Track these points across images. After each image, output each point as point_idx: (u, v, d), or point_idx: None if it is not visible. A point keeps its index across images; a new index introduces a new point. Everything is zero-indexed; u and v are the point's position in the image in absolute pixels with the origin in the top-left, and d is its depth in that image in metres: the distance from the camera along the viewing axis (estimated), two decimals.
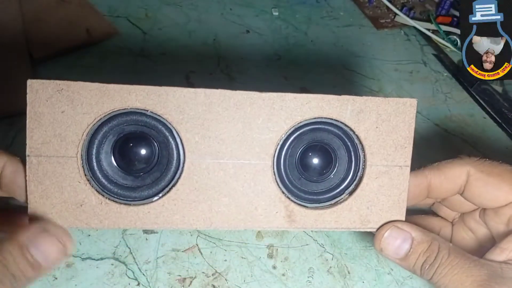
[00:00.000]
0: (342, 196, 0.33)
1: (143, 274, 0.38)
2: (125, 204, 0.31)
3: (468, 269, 0.29)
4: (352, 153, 0.33)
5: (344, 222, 0.33)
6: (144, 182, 0.31)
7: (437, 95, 0.59)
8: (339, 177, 0.33)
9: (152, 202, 0.31)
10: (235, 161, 0.31)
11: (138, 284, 0.37)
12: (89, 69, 0.54)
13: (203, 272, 0.38)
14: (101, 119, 0.30)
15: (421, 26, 0.65)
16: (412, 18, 0.67)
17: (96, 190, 0.30)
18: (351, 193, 0.33)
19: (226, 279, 0.38)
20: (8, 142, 0.45)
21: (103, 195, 0.31)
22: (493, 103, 0.58)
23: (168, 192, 0.31)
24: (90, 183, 0.30)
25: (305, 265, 0.40)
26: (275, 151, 0.32)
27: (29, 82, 0.29)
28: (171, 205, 0.31)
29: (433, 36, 0.64)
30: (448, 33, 0.66)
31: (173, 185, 0.31)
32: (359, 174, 0.33)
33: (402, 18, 0.67)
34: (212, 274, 0.38)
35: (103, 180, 0.31)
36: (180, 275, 0.38)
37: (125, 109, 0.30)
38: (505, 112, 0.57)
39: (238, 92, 0.30)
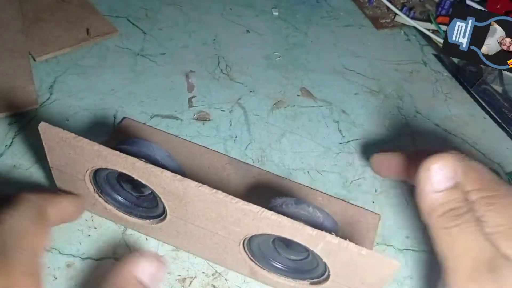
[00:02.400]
0: (303, 282, 0.35)
1: None
2: (127, 214, 0.38)
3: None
4: (318, 265, 0.33)
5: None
6: (141, 204, 0.38)
7: (437, 95, 0.59)
8: (304, 266, 0.35)
9: (146, 224, 0.38)
10: (209, 231, 0.34)
11: None
12: (89, 69, 0.54)
13: (203, 272, 0.38)
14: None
15: (421, 26, 0.65)
16: (412, 18, 0.67)
17: (104, 200, 0.37)
18: (312, 283, 0.35)
19: (226, 279, 0.38)
20: (8, 142, 0.45)
21: (109, 204, 0.38)
22: (493, 103, 0.58)
23: (157, 223, 0.37)
24: (98, 195, 0.37)
25: None
26: (245, 237, 0.33)
27: (40, 126, 0.32)
28: (161, 229, 0.37)
29: (433, 36, 0.63)
30: None
31: (161, 220, 0.36)
32: (323, 276, 0.34)
33: (402, 18, 0.67)
34: (212, 274, 0.38)
35: (111, 193, 0.37)
36: (180, 275, 0.38)
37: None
38: (505, 112, 0.57)
39: (214, 194, 0.30)
